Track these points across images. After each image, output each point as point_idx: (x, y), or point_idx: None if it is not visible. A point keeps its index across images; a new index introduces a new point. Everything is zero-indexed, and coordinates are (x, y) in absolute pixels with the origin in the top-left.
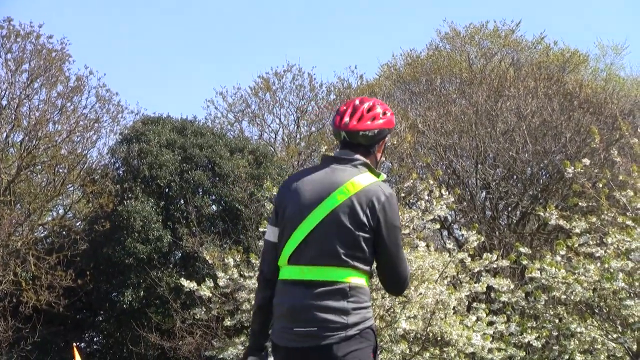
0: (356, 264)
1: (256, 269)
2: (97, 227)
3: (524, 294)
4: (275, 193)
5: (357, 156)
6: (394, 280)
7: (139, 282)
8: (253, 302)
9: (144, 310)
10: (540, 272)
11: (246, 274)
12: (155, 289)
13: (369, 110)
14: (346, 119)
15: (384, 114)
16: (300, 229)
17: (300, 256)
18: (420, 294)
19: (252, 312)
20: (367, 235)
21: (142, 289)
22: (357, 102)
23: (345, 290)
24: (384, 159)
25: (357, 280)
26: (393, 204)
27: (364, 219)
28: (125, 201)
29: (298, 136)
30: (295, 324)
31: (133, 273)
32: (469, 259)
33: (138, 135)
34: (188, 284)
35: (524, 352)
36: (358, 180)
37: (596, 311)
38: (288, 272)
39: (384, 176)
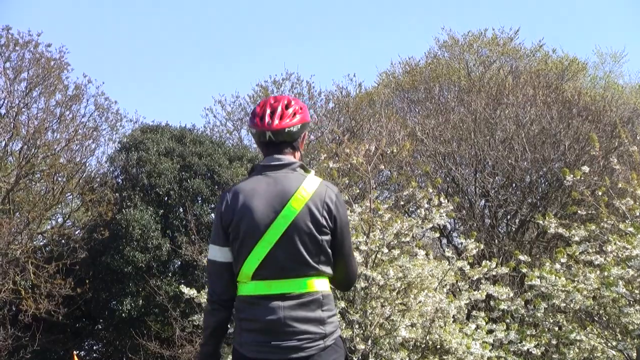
0: (323, 268)
1: None
2: (96, 236)
3: (523, 302)
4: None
5: (289, 158)
6: (350, 277)
7: (138, 290)
8: (203, 323)
9: (143, 319)
10: (540, 280)
11: None
12: (154, 297)
13: (287, 107)
14: (268, 119)
15: (301, 108)
16: (262, 243)
17: (266, 270)
18: (420, 302)
19: (203, 335)
20: (328, 238)
21: (141, 298)
22: (272, 101)
23: (320, 299)
24: (382, 167)
25: (325, 286)
26: (342, 201)
27: (324, 222)
28: (124, 209)
29: None
30: (273, 338)
31: (132, 281)
32: (468, 267)
33: (137, 144)
34: (188, 291)
35: None
36: (307, 185)
37: (596, 319)
38: (254, 287)
39: (312, 171)
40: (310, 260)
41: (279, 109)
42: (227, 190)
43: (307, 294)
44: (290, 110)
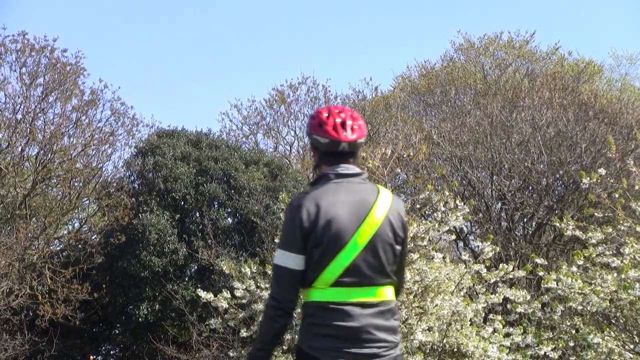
0: (394, 277)
1: None
2: (113, 241)
3: (540, 305)
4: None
5: (357, 169)
6: (402, 285)
7: (155, 295)
8: (260, 329)
9: (160, 323)
10: (557, 283)
11: (262, 286)
12: (171, 301)
13: (357, 118)
14: (346, 131)
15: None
16: (346, 251)
17: (348, 277)
18: (437, 305)
19: (260, 340)
20: (399, 248)
21: (158, 302)
22: (344, 113)
23: (394, 309)
24: (399, 170)
25: (393, 295)
26: None
27: (400, 233)
28: (140, 214)
29: None
30: (354, 345)
31: (149, 286)
32: (485, 270)
33: (153, 149)
34: (205, 295)
35: None
36: (384, 196)
37: (613, 322)
38: (333, 294)
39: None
40: (388, 269)
41: (351, 121)
42: (300, 198)
43: (384, 303)
44: (360, 123)
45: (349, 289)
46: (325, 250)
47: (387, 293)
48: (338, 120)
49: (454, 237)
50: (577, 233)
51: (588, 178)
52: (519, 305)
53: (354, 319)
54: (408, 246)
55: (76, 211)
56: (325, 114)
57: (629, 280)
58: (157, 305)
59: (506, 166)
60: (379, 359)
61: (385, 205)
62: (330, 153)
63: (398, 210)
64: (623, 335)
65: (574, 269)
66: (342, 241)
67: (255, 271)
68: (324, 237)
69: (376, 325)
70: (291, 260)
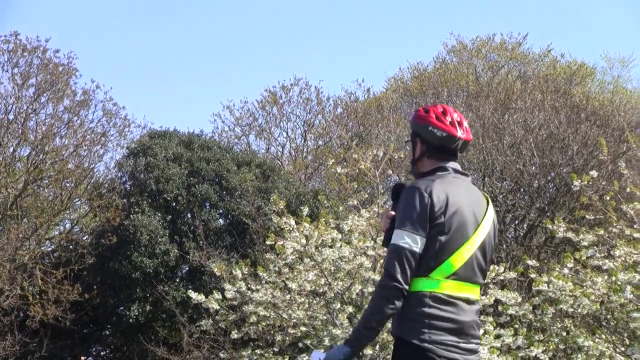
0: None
1: (264, 282)
2: (104, 241)
3: (531, 307)
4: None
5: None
6: None
7: (146, 296)
8: (373, 309)
9: (150, 324)
10: (548, 285)
11: (253, 287)
12: (162, 303)
13: (465, 120)
14: (464, 130)
15: None
16: (468, 245)
17: (464, 272)
18: None
19: (370, 319)
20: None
21: (149, 303)
22: (457, 113)
23: (481, 308)
24: (391, 172)
25: None
26: None
27: (495, 240)
28: (132, 215)
29: (305, 150)
30: (462, 339)
31: (140, 287)
32: None
33: (145, 149)
34: (196, 296)
35: None
36: (489, 202)
37: (604, 324)
38: (448, 286)
39: None
40: (486, 272)
41: (465, 122)
42: (428, 183)
43: (478, 302)
44: (467, 125)
45: (460, 284)
46: (451, 239)
47: (479, 292)
48: (455, 117)
49: None
50: (569, 235)
51: (579, 180)
52: (510, 307)
53: (466, 314)
54: None
55: (67, 212)
56: (441, 109)
57: (620, 283)
58: (148, 306)
59: (498, 168)
60: (475, 354)
61: (491, 211)
62: (441, 148)
63: (495, 218)
64: (614, 338)
65: (565, 271)
66: (467, 234)
67: (246, 273)
68: (451, 226)
69: (477, 321)
70: (416, 241)
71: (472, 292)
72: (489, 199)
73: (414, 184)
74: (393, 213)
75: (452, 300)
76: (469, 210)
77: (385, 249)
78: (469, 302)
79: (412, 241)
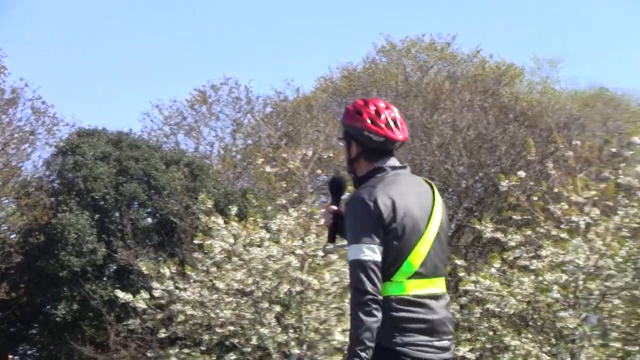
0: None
1: (192, 281)
2: (32, 240)
3: (458, 306)
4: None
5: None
6: None
7: (73, 295)
8: (359, 327)
9: (77, 323)
10: (475, 285)
11: (181, 286)
12: (89, 302)
13: (398, 113)
14: (400, 130)
15: None
16: (423, 242)
17: (424, 269)
18: None
19: (363, 340)
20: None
21: (76, 302)
22: (390, 109)
23: (449, 301)
24: (319, 171)
25: None
26: None
27: (448, 220)
28: (59, 214)
29: (234, 149)
30: (435, 337)
31: (67, 286)
32: None
33: (73, 148)
34: (123, 296)
35: None
36: (435, 189)
37: (530, 324)
38: (411, 286)
39: None
40: (446, 260)
41: (399, 117)
42: (371, 191)
43: (445, 295)
44: (401, 118)
45: (423, 281)
46: (405, 242)
47: (444, 284)
48: (390, 117)
49: None
50: (497, 235)
51: (507, 180)
52: None
53: (434, 312)
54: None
55: None
56: (373, 109)
57: (547, 283)
58: (75, 305)
59: (426, 168)
60: (448, 352)
61: (439, 197)
62: (378, 150)
63: (442, 203)
64: (540, 337)
65: (493, 270)
66: (419, 232)
67: (174, 272)
68: (404, 229)
69: (447, 317)
70: (375, 251)
71: (435, 285)
72: (433, 185)
73: (357, 194)
74: (334, 208)
75: (419, 300)
76: (417, 206)
77: (313, 249)
78: (435, 297)
79: (371, 252)
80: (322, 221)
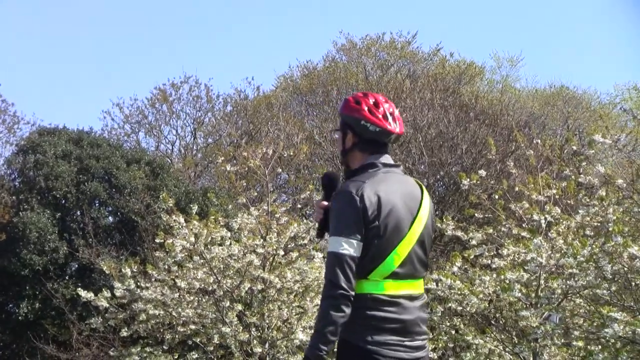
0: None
1: (153, 280)
2: None
3: None
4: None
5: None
6: None
7: (35, 293)
8: (324, 320)
9: (40, 322)
10: (437, 284)
11: (143, 285)
12: (51, 300)
13: (395, 108)
14: (396, 123)
15: None
16: (404, 243)
17: (402, 270)
18: (317, 305)
19: (326, 333)
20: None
21: (38, 301)
22: (388, 103)
23: (426, 301)
24: (280, 170)
25: None
26: None
27: (433, 227)
28: (20, 212)
29: (195, 147)
30: (407, 337)
31: (29, 284)
32: None
33: (34, 147)
34: (85, 294)
35: None
36: (424, 190)
37: (492, 322)
38: (387, 286)
39: None
40: (427, 262)
41: (397, 112)
42: (359, 186)
43: (422, 295)
44: (398, 114)
45: (400, 282)
46: (387, 241)
47: (423, 285)
48: (388, 110)
49: None
50: (458, 233)
51: (468, 179)
52: None
53: (408, 312)
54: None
55: None
56: (372, 101)
57: (508, 282)
58: (37, 304)
59: None
60: (422, 351)
61: (427, 199)
62: (373, 142)
63: (431, 206)
64: (502, 336)
65: (454, 269)
66: (402, 232)
67: (135, 271)
68: (386, 228)
69: (421, 317)
70: (353, 246)
71: (413, 287)
72: (423, 187)
73: (345, 187)
74: (325, 203)
75: (394, 300)
76: (404, 206)
77: (274, 248)
78: (411, 298)
79: (349, 246)
80: (314, 216)
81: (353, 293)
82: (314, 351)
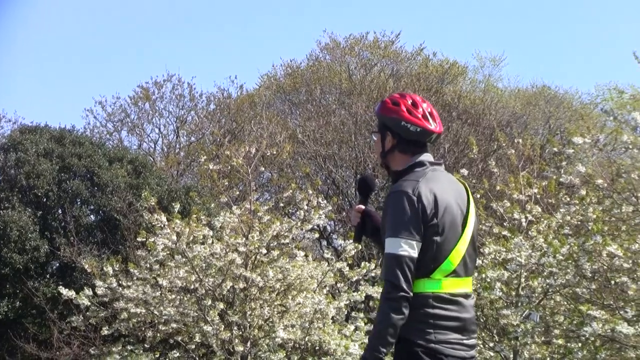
0: None
1: (135, 278)
2: None
3: None
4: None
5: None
6: None
7: (16, 292)
8: (384, 322)
9: (20, 321)
10: None
11: (124, 284)
12: (32, 299)
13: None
14: (437, 122)
15: None
16: (462, 241)
17: (460, 268)
18: (299, 303)
19: (386, 335)
20: None
21: (19, 299)
22: (426, 103)
23: (475, 300)
24: (263, 168)
25: None
26: None
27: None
28: (1, 211)
29: (177, 146)
30: (465, 336)
31: (9, 283)
32: (348, 268)
33: (15, 145)
34: (66, 293)
35: None
36: (466, 185)
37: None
38: (448, 284)
39: None
40: (476, 261)
41: (435, 112)
42: (415, 185)
43: (473, 295)
44: (437, 114)
45: (458, 280)
46: (446, 240)
47: (471, 284)
48: (426, 109)
49: (317, 235)
50: None
51: None
52: None
53: (466, 310)
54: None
55: None
56: (410, 101)
57: (489, 280)
58: (18, 303)
59: (370, 165)
60: (474, 350)
61: (471, 199)
62: (414, 142)
63: (474, 205)
64: (483, 334)
65: None
66: (458, 231)
67: (117, 269)
68: (444, 225)
69: (474, 316)
70: (413, 248)
71: (468, 285)
72: (467, 186)
73: (400, 187)
74: (362, 207)
75: (454, 299)
76: (456, 204)
77: (256, 246)
78: (467, 296)
79: (409, 247)
80: (351, 219)
81: (412, 294)
82: (373, 353)
